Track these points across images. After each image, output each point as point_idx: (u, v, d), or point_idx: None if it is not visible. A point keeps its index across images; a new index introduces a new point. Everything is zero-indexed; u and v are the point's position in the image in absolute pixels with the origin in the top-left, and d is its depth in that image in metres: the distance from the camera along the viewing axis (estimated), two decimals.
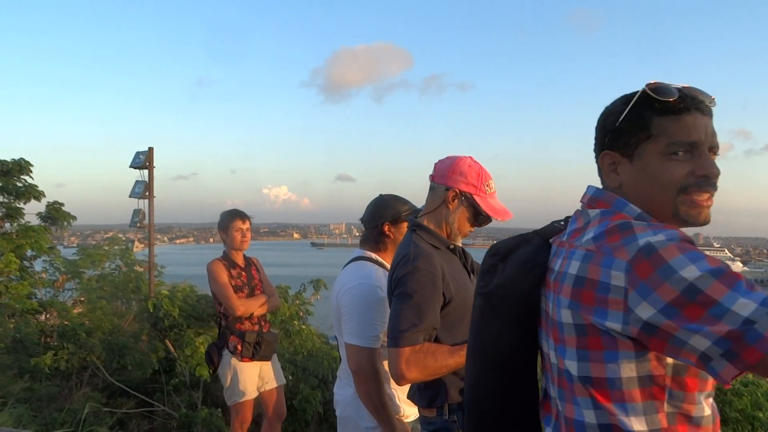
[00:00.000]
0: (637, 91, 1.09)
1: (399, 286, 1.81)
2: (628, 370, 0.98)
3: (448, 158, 1.99)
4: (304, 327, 5.64)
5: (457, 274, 1.93)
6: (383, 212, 2.31)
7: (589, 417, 1.02)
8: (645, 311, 0.91)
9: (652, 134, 1.06)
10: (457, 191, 1.93)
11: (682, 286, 0.88)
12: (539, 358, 1.19)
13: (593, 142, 1.17)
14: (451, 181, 1.94)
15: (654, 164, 1.06)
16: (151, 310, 5.33)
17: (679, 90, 1.07)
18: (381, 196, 2.37)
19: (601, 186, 1.17)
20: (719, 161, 1.09)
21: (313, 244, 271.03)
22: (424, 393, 1.90)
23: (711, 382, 1.03)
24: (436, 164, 2.01)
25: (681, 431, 1.00)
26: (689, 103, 1.06)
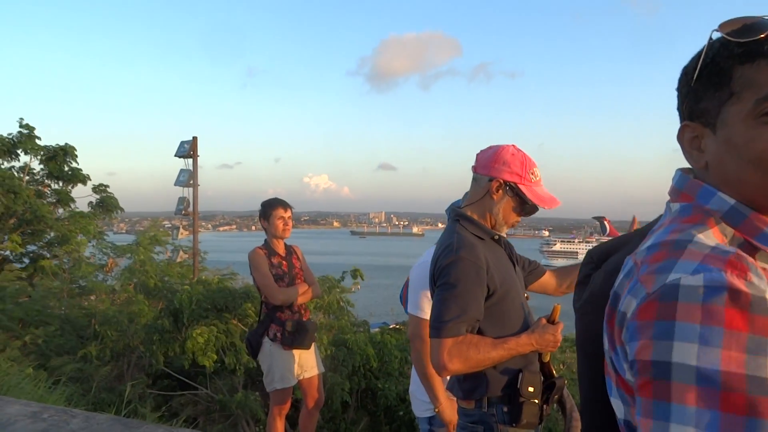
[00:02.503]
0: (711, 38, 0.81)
1: (442, 276, 1.79)
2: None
3: (490, 148, 1.94)
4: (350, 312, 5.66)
5: (501, 265, 1.89)
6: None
7: None
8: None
9: (734, 91, 0.78)
10: (501, 181, 1.88)
11: (660, 356, 0.67)
12: None
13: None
14: (494, 171, 1.89)
15: (739, 132, 0.77)
16: (178, 305, 5.44)
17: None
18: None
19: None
20: None
21: (353, 233, 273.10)
22: (463, 384, 1.88)
23: None
24: (478, 154, 1.96)
25: None
26: None
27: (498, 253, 1.92)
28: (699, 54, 0.82)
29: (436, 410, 2.24)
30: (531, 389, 1.79)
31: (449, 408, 2.22)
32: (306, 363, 3.68)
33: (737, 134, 0.77)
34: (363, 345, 5.70)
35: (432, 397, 2.25)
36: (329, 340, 5.73)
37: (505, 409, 1.80)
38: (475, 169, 1.95)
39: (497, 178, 1.88)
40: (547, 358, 1.92)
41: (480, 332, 1.80)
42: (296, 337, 3.53)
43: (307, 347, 3.64)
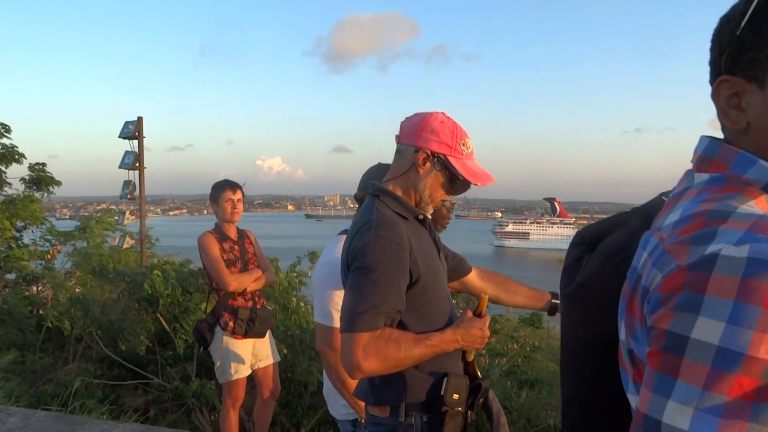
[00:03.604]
0: None
1: (357, 258, 1.50)
2: None
3: (416, 115, 1.68)
4: (302, 305, 5.57)
5: (426, 249, 1.65)
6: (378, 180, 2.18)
7: None
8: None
9: None
10: (429, 152, 1.62)
11: (678, 329, 0.61)
12: None
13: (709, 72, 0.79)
14: (420, 140, 1.63)
15: None
16: (150, 291, 5.28)
17: None
18: (379, 164, 2.19)
19: (722, 134, 0.79)
20: None
21: (308, 216, 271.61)
22: (377, 388, 1.62)
23: None
24: (402, 122, 1.71)
25: None
26: None
27: (422, 236, 1.67)
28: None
29: (361, 419, 2.03)
30: (456, 396, 1.57)
31: None
32: (261, 352, 3.58)
33: None
34: None
35: (355, 405, 2.03)
36: (289, 326, 5.65)
37: (425, 419, 1.57)
38: (399, 138, 1.69)
39: (424, 149, 1.62)
40: (471, 357, 1.71)
41: (401, 326, 1.55)
42: (250, 326, 3.42)
43: (262, 336, 3.54)
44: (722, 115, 0.74)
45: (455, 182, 1.67)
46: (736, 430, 0.57)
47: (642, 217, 0.89)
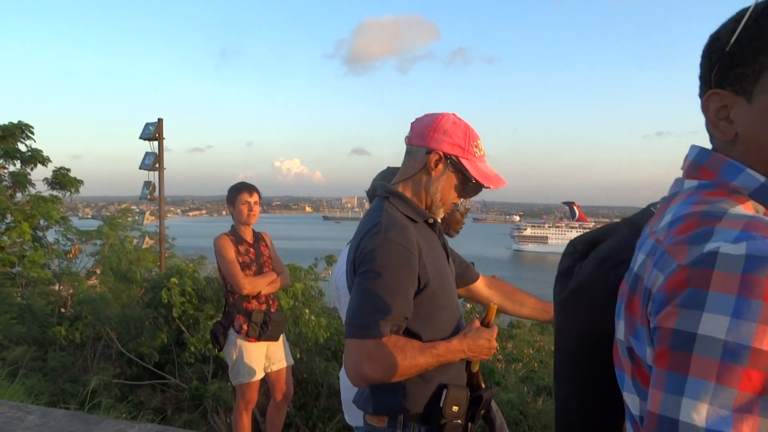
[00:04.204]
0: None
1: (365, 262, 1.45)
2: None
3: (426, 116, 1.64)
4: (313, 319, 5.58)
5: (435, 254, 1.60)
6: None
7: None
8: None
9: None
10: (441, 154, 1.58)
11: (684, 326, 0.62)
12: None
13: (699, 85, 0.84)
14: (433, 141, 1.58)
15: None
16: (165, 300, 5.35)
17: None
18: (389, 168, 2.15)
19: (710, 145, 0.82)
20: None
21: (325, 218, 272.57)
22: (376, 395, 1.57)
23: None
24: (413, 123, 1.66)
25: None
26: None
27: (431, 240, 1.62)
28: (738, 17, 0.76)
29: None
30: (455, 408, 1.53)
31: None
32: (274, 355, 3.59)
33: None
34: (339, 326, 5.66)
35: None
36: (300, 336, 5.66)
37: (423, 430, 1.53)
38: (409, 140, 1.65)
39: (436, 150, 1.58)
40: (476, 368, 1.66)
41: (406, 332, 1.51)
42: (264, 329, 3.43)
43: (276, 339, 3.55)
44: (712, 126, 0.79)
45: (468, 185, 1.63)
46: (750, 424, 0.58)
47: (631, 227, 0.92)
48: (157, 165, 6.09)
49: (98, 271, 7.07)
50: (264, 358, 3.54)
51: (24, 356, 4.86)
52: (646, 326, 0.69)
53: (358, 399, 1.66)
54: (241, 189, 3.54)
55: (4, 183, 6.96)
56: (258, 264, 3.54)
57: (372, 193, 2.11)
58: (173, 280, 5.41)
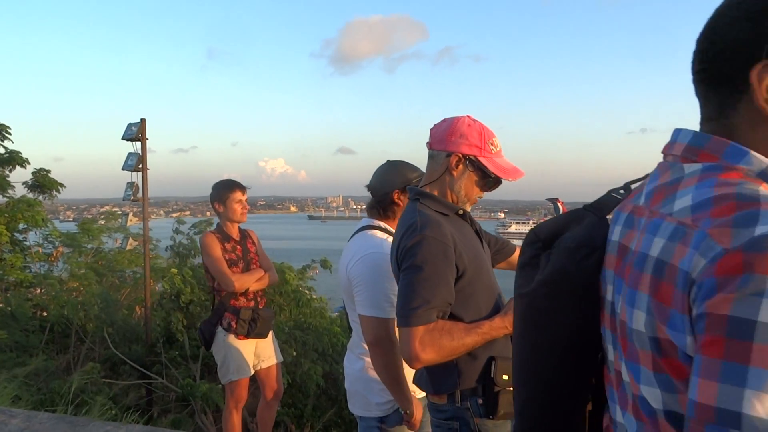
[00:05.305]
0: None
1: (407, 258, 1.64)
2: None
3: (444, 121, 1.81)
4: (314, 296, 5.65)
5: (469, 242, 1.77)
6: (393, 179, 2.18)
7: None
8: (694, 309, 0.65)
9: None
10: (460, 155, 1.76)
11: (743, 313, 0.59)
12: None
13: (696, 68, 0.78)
14: (451, 145, 1.76)
15: None
16: (168, 288, 5.31)
17: None
18: (390, 162, 2.24)
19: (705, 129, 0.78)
20: None
21: (311, 217, 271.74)
22: (434, 377, 1.75)
23: None
24: (431, 129, 1.83)
25: None
26: None
27: (464, 230, 1.80)
28: None
29: (407, 412, 2.06)
30: (505, 377, 1.68)
31: (419, 407, 2.08)
32: (263, 352, 3.57)
33: None
34: (328, 326, 5.67)
35: (404, 400, 2.04)
36: (290, 326, 5.65)
37: (480, 401, 1.70)
38: (430, 145, 1.83)
39: (456, 153, 1.76)
40: None
41: (451, 317, 1.68)
42: (252, 326, 3.41)
43: (265, 336, 3.52)
44: (763, 100, 0.71)
45: (488, 180, 1.80)
46: None
47: (596, 213, 0.90)
48: (140, 166, 6.00)
49: (82, 271, 6.98)
50: (253, 355, 3.52)
51: (6, 361, 4.77)
52: (687, 314, 0.65)
53: (419, 381, 1.85)
54: (234, 187, 3.51)
55: None
56: (245, 261, 3.52)
57: (375, 187, 2.23)
58: (173, 270, 5.39)
